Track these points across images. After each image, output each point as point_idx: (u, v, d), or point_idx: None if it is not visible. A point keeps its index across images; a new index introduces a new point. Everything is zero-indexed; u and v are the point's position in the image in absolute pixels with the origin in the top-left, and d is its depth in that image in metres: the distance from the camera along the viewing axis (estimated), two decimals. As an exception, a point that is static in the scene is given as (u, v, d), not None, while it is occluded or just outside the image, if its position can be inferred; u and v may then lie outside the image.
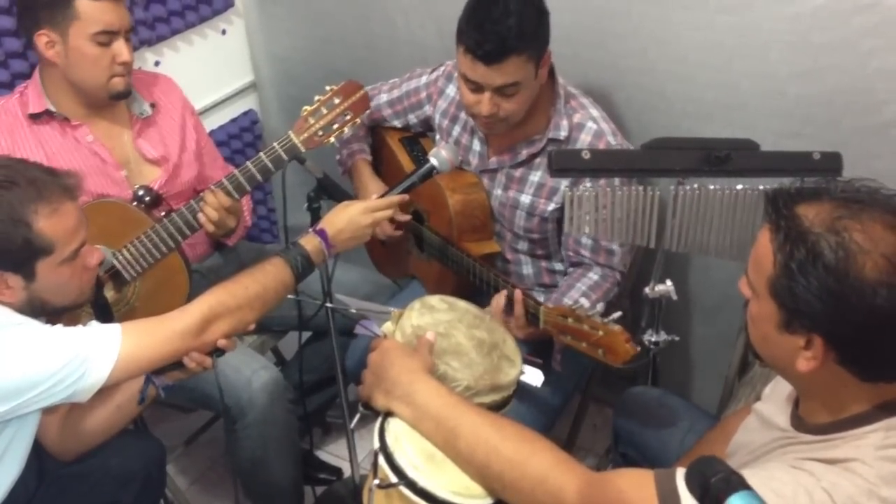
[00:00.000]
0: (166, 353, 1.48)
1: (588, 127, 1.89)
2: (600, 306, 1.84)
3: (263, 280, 1.56)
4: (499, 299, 1.75)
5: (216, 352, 1.56)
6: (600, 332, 1.48)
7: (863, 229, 1.02)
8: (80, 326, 1.45)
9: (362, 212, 1.73)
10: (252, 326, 1.60)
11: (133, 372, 1.47)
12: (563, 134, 1.89)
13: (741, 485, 0.89)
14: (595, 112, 1.91)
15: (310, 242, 1.65)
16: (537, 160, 1.94)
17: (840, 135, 1.85)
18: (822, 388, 1.12)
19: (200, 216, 1.88)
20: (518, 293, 1.71)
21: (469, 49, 1.74)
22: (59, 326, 1.43)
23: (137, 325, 1.47)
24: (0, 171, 1.39)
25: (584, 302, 1.52)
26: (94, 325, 1.46)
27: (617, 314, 1.49)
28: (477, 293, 1.85)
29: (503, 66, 1.72)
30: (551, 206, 1.95)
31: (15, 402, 1.37)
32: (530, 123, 1.92)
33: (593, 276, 1.93)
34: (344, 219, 1.71)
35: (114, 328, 1.44)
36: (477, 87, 1.79)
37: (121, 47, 1.89)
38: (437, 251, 2.04)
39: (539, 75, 1.81)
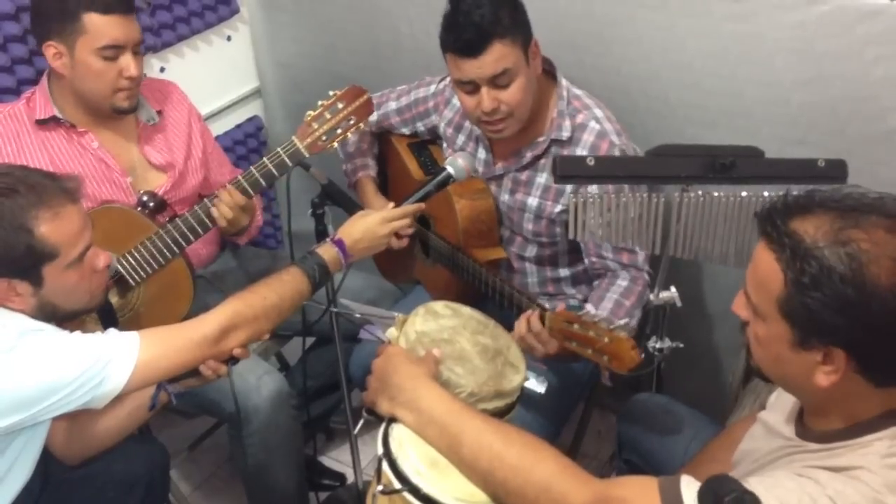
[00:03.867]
0: (183, 361, 1.49)
1: (591, 127, 1.88)
2: (632, 311, 1.83)
3: (280, 290, 1.57)
4: (521, 325, 1.73)
5: (231, 360, 1.57)
6: (606, 339, 1.47)
7: (868, 237, 1.02)
8: (98, 333, 1.46)
9: (379, 222, 1.74)
10: (267, 336, 1.61)
11: (150, 379, 1.48)
12: (565, 134, 1.89)
13: (754, 503, 0.89)
14: (599, 112, 1.91)
15: (327, 252, 1.66)
16: (542, 162, 1.94)
17: (845, 142, 1.84)
18: (835, 400, 1.11)
19: (214, 211, 1.89)
20: (533, 314, 1.68)
21: (451, 48, 1.76)
22: (77, 333, 1.44)
23: (155, 333, 1.48)
24: (0, 179, 1.40)
25: (590, 308, 1.52)
26: (113, 332, 1.47)
27: (623, 321, 1.49)
28: (482, 299, 1.85)
29: (488, 54, 1.72)
30: (558, 208, 1.94)
31: (34, 409, 1.37)
32: (534, 127, 1.92)
33: (622, 282, 1.91)
34: (361, 228, 1.72)
35: (132, 335, 1.45)
36: (472, 88, 1.79)
37: (128, 61, 1.89)
38: (444, 257, 2.04)
39: (532, 65, 1.81)
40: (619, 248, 1.92)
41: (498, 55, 1.73)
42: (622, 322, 1.48)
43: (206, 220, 1.91)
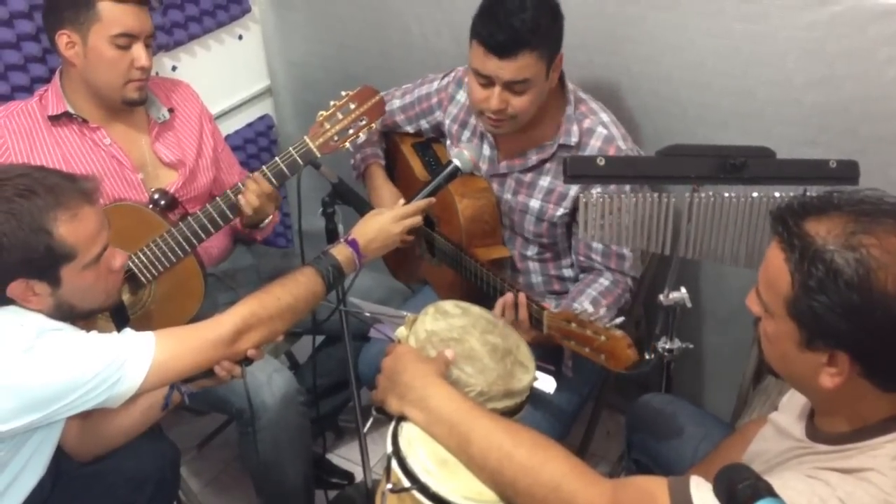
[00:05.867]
0: (198, 361, 1.50)
1: (598, 132, 1.89)
2: (608, 312, 1.84)
3: (295, 291, 1.58)
4: (500, 305, 1.75)
5: (245, 360, 1.58)
6: (602, 338, 1.48)
7: (879, 243, 1.02)
8: (114, 333, 1.47)
9: (392, 220, 1.75)
10: (281, 337, 1.62)
11: (166, 379, 1.49)
12: (573, 140, 1.89)
13: (768, 492, 0.90)
14: (605, 117, 1.91)
15: (341, 252, 1.67)
16: (547, 165, 1.94)
17: (856, 143, 1.84)
18: (842, 402, 1.11)
19: (241, 199, 1.90)
20: (522, 296, 1.72)
21: (482, 41, 1.74)
22: (94, 333, 1.45)
23: (171, 334, 1.49)
24: (19, 180, 1.40)
25: (589, 307, 1.52)
26: (129, 332, 1.48)
27: (619, 319, 1.49)
28: (486, 298, 1.85)
29: (515, 60, 1.72)
30: (560, 212, 1.95)
31: (51, 408, 1.38)
32: (540, 129, 1.92)
33: (604, 281, 1.93)
34: (374, 228, 1.73)
35: (148, 336, 1.46)
36: (487, 82, 1.79)
37: (140, 52, 1.90)
38: (448, 257, 2.04)
39: (550, 78, 1.81)
40: (608, 252, 1.93)
41: (524, 63, 1.73)
42: (619, 320, 1.48)
43: (228, 212, 1.91)
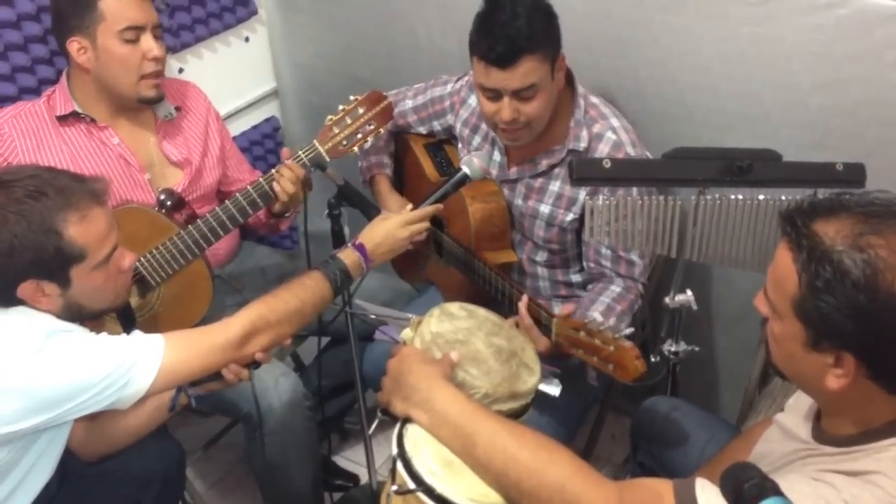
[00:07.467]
0: (207, 364, 1.51)
1: (607, 137, 1.89)
2: (622, 318, 1.84)
3: (303, 295, 1.59)
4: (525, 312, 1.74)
5: (252, 364, 1.59)
6: (611, 348, 1.47)
7: (887, 245, 1.02)
8: (123, 335, 1.47)
9: (399, 225, 1.75)
10: (289, 340, 1.62)
11: (174, 382, 1.50)
12: (582, 145, 1.89)
13: (774, 491, 0.90)
14: (615, 122, 1.91)
15: (349, 257, 1.68)
16: (557, 170, 1.94)
17: (863, 146, 1.83)
18: (848, 403, 1.11)
19: (276, 186, 1.91)
20: (526, 301, 1.70)
21: (482, 56, 1.75)
22: (104, 335, 1.46)
23: (180, 337, 1.50)
24: (28, 181, 1.41)
25: (599, 317, 1.52)
26: (138, 334, 1.48)
27: (629, 330, 1.49)
28: (493, 302, 1.85)
29: (517, 67, 1.72)
30: (570, 217, 1.95)
31: (60, 409, 1.39)
32: (550, 134, 1.92)
33: (616, 288, 1.92)
34: (382, 232, 1.74)
35: (157, 338, 1.47)
36: (495, 95, 1.79)
37: (149, 42, 1.91)
38: (456, 259, 2.04)
39: (556, 78, 1.81)
40: (618, 258, 1.93)
41: (527, 69, 1.73)
42: (628, 331, 1.48)
43: (238, 216, 1.92)
